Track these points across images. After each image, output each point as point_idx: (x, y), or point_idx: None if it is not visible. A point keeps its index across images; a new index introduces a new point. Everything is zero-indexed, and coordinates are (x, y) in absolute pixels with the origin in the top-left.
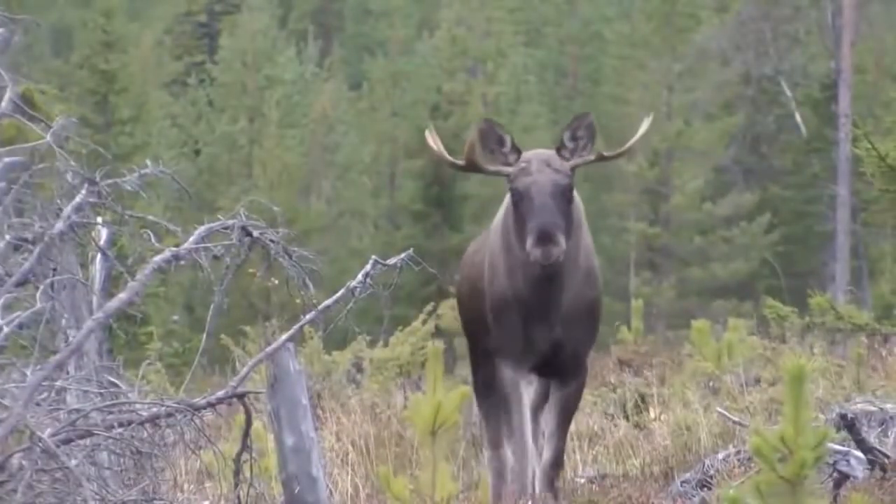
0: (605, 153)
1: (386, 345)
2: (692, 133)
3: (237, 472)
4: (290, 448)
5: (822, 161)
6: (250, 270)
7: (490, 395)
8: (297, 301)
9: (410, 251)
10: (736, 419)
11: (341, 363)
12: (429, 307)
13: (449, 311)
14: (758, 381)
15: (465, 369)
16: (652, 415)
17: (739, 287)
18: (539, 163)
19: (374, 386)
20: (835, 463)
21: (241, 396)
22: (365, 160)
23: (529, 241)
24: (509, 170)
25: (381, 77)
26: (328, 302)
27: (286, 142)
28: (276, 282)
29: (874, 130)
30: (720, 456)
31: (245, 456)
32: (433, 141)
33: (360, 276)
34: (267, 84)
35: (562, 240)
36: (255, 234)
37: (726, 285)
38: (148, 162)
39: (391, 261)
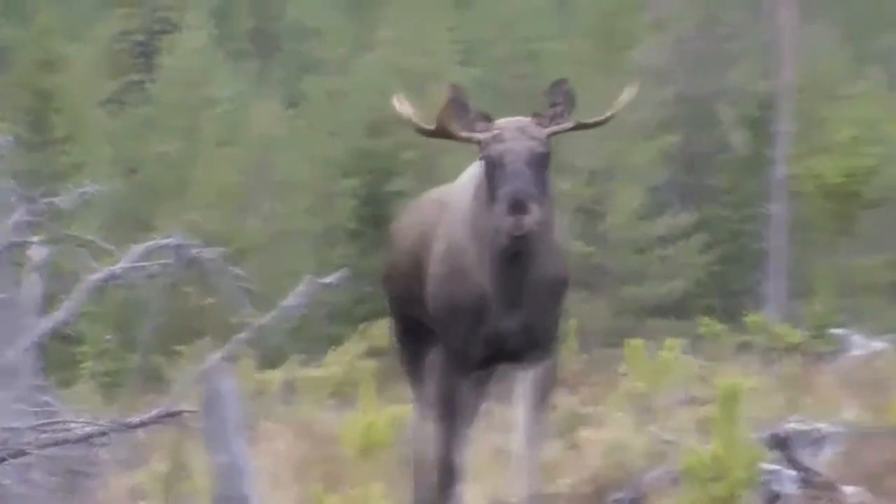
0: (585, 121)
1: (319, 364)
2: (629, 152)
3: (169, 491)
4: (222, 467)
5: (758, 180)
6: (186, 289)
7: (412, 381)
8: (233, 320)
9: (346, 270)
10: (669, 438)
11: (275, 382)
12: (363, 326)
13: (383, 331)
14: (691, 400)
15: (398, 389)
16: (585, 434)
17: (675, 306)
18: (513, 130)
19: (307, 405)
20: (767, 482)
21: (174, 415)
22: (301, 179)
23: (500, 210)
24: (482, 136)
25: (318, 96)
26: (263, 321)
27: (223, 161)
28: (212, 300)
29: (811, 150)
30: (653, 475)
31: (178, 475)
32: (401, 106)
33: (294, 295)
34: (204, 103)
35: (536, 209)
36: (192, 253)
37: (662, 304)
38: (85, 181)
39: (327, 280)
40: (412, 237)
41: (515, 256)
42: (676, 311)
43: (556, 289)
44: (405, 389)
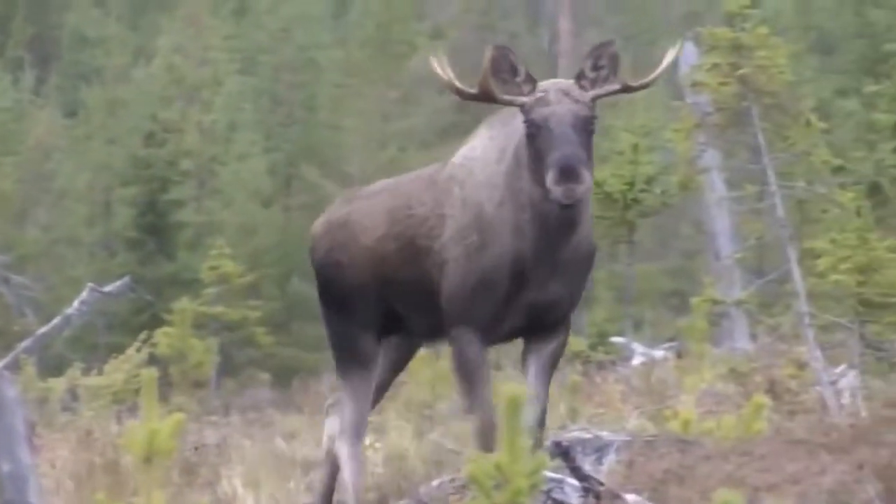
0: (630, 83)
1: (100, 372)
2: (407, 160)
3: None
4: (6, 475)
5: None
6: None
7: (361, 374)
8: (15, 328)
9: (128, 278)
10: (451, 447)
11: (57, 390)
12: (143, 335)
13: (163, 338)
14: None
15: (180, 396)
16: (367, 442)
17: None
18: (557, 93)
19: (90, 413)
20: (549, 490)
21: None
22: (80, 188)
23: (550, 178)
24: (524, 99)
25: (97, 105)
26: (44, 329)
27: (2, 169)
28: None
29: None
30: (435, 483)
31: None
32: (441, 69)
33: (76, 304)
34: None
35: (586, 176)
36: None
37: None
38: None
39: (108, 288)
40: (390, 222)
41: (564, 227)
42: None
43: (589, 260)
44: (188, 399)
